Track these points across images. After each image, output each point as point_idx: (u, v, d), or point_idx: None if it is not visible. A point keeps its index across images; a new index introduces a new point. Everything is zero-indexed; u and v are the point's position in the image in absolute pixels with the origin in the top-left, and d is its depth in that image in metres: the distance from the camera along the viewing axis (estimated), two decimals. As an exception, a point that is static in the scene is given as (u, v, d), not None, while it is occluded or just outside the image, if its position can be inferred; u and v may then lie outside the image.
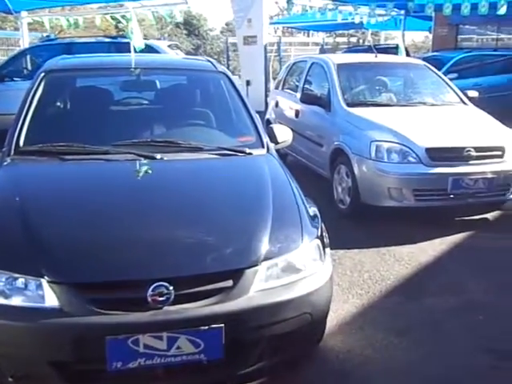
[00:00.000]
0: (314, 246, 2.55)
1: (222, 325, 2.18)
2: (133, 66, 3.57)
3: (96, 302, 2.11)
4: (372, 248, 4.64)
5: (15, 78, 8.31)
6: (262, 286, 2.31)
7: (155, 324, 2.12)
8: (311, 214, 2.77)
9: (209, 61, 4.07)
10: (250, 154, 3.18)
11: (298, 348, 2.54)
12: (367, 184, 5.12)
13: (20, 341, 2.11)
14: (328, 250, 2.76)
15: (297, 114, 6.77)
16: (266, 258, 2.36)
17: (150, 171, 2.85)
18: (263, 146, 3.32)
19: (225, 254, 2.33)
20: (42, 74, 3.52)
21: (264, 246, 2.38)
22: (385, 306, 3.63)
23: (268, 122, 7.94)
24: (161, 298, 2.14)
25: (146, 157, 2.95)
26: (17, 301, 2.14)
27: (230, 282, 2.24)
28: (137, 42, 3.63)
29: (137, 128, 3.31)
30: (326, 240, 2.80)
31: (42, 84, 3.46)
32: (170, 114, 3.53)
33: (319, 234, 2.64)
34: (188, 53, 41.38)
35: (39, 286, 2.14)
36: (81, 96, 3.63)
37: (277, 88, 8.00)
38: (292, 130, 6.82)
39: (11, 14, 11.53)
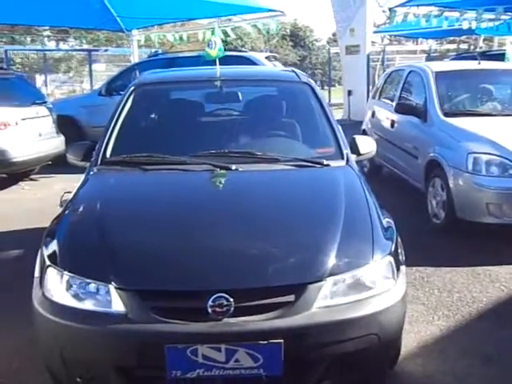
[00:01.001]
0: (385, 263, 2.43)
1: (282, 340, 2.13)
2: (217, 78, 3.65)
3: (158, 309, 2.15)
4: (466, 267, 4.35)
5: (121, 92, 8.79)
6: (326, 303, 2.24)
7: (214, 335, 2.12)
8: (386, 227, 2.65)
9: (293, 71, 4.05)
10: (327, 165, 3.11)
11: (365, 371, 2.42)
12: (463, 198, 4.82)
13: (88, 344, 2.20)
14: (403, 267, 2.62)
15: (392, 124, 6.57)
16: (332, 274, 2.28)
17: (223, 182, 2.88)
18: (342, 158, 3.23)
19: (288, 267, 2.28)
20: (132, 88, 3.70)
21: (330, 261, 2.31)
22: (473, 331, 3.38)
23: (364, 133, 7.78)
24: (221, 310, 2.13)
25: (221, 167, 2.98)
26: (88, 305, 2.24)
27: (291, 297, 2.19)
28: (212, 52, 3.70)
29: (217, 139, 3.36)
30: (402, 257, 2.67)
31: (132, 97, 3.63)
32: (251, 124, 3.56)
33: (392, 250, 2.51)
34: (293, 64, 41.84)
35: (108, 292, 2.22)
36: (166, 108, 3.77)
37: (374, 97, 7.81)
38: (387, 141, 6.72)
39: (123, 32, 12.25)
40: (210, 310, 2.13)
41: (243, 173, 2.98)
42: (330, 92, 16.57)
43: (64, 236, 2.50)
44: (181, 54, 9.93)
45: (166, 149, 3.24)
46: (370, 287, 2.34)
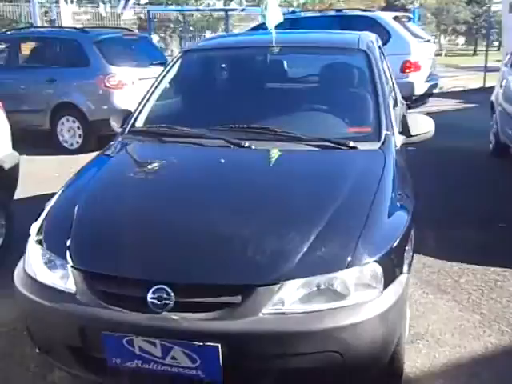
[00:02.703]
0: (369, 270, 2.07)
1: (218, 344, 1.93)
2: (269, 45, 3.38)
3: (102, 294, 2.06)
4: None
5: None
6: (279, 309, 1.97)
7: (149, 328, 1.98)
8: (391, 228, 2.26)
9: (360, 35, 3.61)
10: (353, 147, 2.73)
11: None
12: None
13: (42, 319, 2.19)
14: (404, 277, 2.22)
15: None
16: (291, 277, 1.99)
17: (227, 160, 2.69)
18: (379, 139, 2.82)
19: (239, 265, 2.04)
20: (180, 54, 3.58)
21: (291, 263, 2.01)
22: (527, 354, 2.83)
23: (491, 105, 6.89)
24: (159, 303, 1.98)
25: (233, 143, 2.77)
26: (50, 280, 2.21)
27: (237, 298, 1.96)
28: (271, 20, 3.39)
29: (249, 111, 3.11)
30: (405, 264, 2.27)
31: (178, 64, 3.52)
32: (290, 97, 3.25)
33: (384, 255, 2.12)
34: (465, 23, 38.18)
35: (67, 270, 2.18)
36: (207, 77, 3.59)
37: (506, 65, 6.82)
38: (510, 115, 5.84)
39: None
40: (149, 302, 2.00)
41: (253, 151, 2.74)
42: (486, 55, 14.85)
43: (49, 208, 2.51)
44: (303, 14, 9.56)
45: (194, 120, 3.11)
46: (340, 297, 2.02)
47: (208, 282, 2.01)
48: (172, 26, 25.66)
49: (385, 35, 8.28)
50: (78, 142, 7.64)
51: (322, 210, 2.23)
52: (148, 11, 15.56)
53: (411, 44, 8.21)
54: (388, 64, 4.22)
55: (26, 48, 8.21)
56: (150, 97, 3.33)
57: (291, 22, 9.08)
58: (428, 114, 9.92)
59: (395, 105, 3.86)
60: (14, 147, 4.32)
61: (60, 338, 2.17)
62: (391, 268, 2.15)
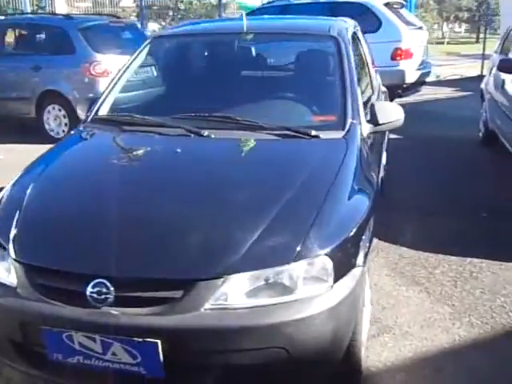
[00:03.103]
0: (318, 263, 2.00)
1: (158, 341, 1.86)
2: (238, 31, 3.29)
3: (42, 288, 2.00)
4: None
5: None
6: (222, 304, 1.90)
7: (88, 324, 1.91)
8: (347, 219, 2.19)
9: (334, 22, 3.52)
10: (316, 136, 2.65)
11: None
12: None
13: None
14: (358, 269, 2.15)
15: (503, 83, 5.57)
16: (236, 271, 1.92)
17: (182, 150, 2.62)
18: (343, 128, 2.74)
19: (181, 259, 1.97)
20: (148, 41, 3.49)
21: (235, 256, 1.94)
22: (495, 351, 2.76)
23: (481, 93, 6.79)
24: (99, 297, 1.92)
25: (193, 132, 2.69)
26: None
27: (178, 293, 1.89)
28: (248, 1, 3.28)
29: (212, 100, 3.03)
30: (361, 257, 2.19)
31: (146, 50, 3.43)
32: (255, 84, 3.16)
33: (336, 247, 2.05)
34: (468, 10, 37.71)
35: (8, 262, 2.12)
36: (174, 64, 3.49)
37: (496, 51, 6.71)
38: (496, 103, 5.74)
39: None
40: (88, 296, 1.93)
41: (211, 141, 2.66)
42: (484, 42, 14.65)
43: (1, 197, 2.45)
44: (294, 1, 9.40)
45: (158, 107, 3.06)
46: (287, 291, 1.95)
47: (147, 275, 1.94)
48: (171, 13, 25.44)
49: (375, 22, 8.19)
50: (64, 131, 7.55)
51: (273, 201, 2.16)
52: (140, -2, 15.35)
53: (402, 31, 8.08)
54: (366, 51, 4.13)
55: (11, 35, 8.10)
56: (115, 84, 3.24)
57: (281, 9, 8.96)
58: (420, 102, 9.91)
59: (372, 93, 3.78)
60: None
61: (3, 333, 2.11)
62: (343, 261, 2.08)
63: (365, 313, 2.44)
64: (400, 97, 8.79)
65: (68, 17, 8.08)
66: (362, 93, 3.39)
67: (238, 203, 2.20)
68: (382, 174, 4.70)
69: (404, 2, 9.15)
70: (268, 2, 10.01)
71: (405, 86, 8.26)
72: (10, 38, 8.07)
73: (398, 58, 8.08)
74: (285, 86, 3.10)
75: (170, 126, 2.76)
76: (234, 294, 1.91)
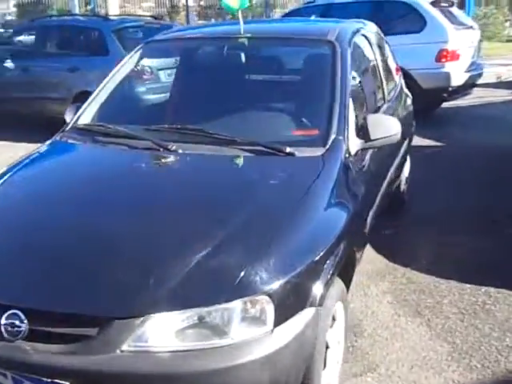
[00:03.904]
0: (258, 303, 1.77)
1: (67, 383, 1.69)
2: (228, 36, 3.08)
3: None
4: None
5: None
6: (141, 346, 1.70)
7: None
8: (303, 257, 1.93)
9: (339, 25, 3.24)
10: (290, 154, 2.40)
11: None
12: None
13: None
14: (310, 311, 1.89)
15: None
16: (160, 310, 1.72)
17: (144, 166, 2.45)
18: (324, 145, 2.48)
19: (99, 294, 1.78)
20: (140, 45, 3.34)
21: (160, 293, 1.74)
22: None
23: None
24: (12, 330, 1.76)
25: (161, 146, 2.50)
26: None
27: (93, 331, 1.71)
28: (232, 2, 3.05)
29: (191, 110, 2.84)
30: (311, 298, 1.92)
31: (137, 56, 3.28)
32: (240, 93, 2.92)
33: (280, 287, 1.81)
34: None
35: None
36: (160, 70, 3.32)
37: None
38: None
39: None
40: (2, 328, 1.78)
41: (176, 156, 2.46)
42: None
43: None
44: (336, 1, 9.02)
45: (138, 117, 2.91)
46: (218, 334, 1.73)
47: (61, 309, 1.77)
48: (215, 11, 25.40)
49: (420, 21, 7.73)
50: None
51: (218, 228, 1.94)
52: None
53: (448, 31, 7.57)
54: (384, 56, 3.81)
55: (49, 36, 8.22)
56: (100, 91, 3.11)
57: (323, 9, 8.64)
58: (471, 105, 9.28)
59: (383, 102, 3.48)
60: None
61: None
62: (289, 301, 1.84)
63: (331, 355, 2.18)
64: (445, 100, 8.30)
65: (105, 18, 8.11)
66: (366, 103, 3.12)
67: (177, 230, 2.00)
68: (403, 186, 4.40)
69: (454, 0, 8.59)
70: (308, 2, 9.69)
71: (450, 89, 7.76)
72: (48, 39, 8.19)
73: (444, 60, 7.59)
74: (271, 96, 2.86)
75: (139, 139, 2.59)
76: (157, 336, 1.71)
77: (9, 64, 8.21)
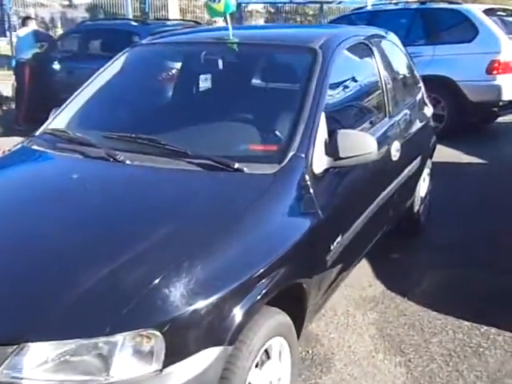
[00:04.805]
0: (145, 338, 1.58)
1: None
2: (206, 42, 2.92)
3: None
4: None
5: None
6: (14, 377, 1.55)
7: None
8: (211, 291, 1.73)
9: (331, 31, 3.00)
10: (239, 170, 2.20)
11: None
12: None
13: None
14: (213, 351, 1.68)
15: None
16: (37, 339, 1.56)
17: (88, 177, 2.32)
18: (280, 162, 2.25)
19: None
20: (126, 49, 3.23)
21: (38, 320, 1.59)
22: None
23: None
24: None
25: (111, 156, 2.37)
26: None
27: None
28: (218, 7, 2.86)
29: (155, 118, 2.70)
30: (223, 333, 1.72)
31: (121, 60, 3.18)
32: (208, 101, 2.74)
33: (174, 320, 1.61)
34: None
35: None
36: (142, 75, 3.15)
37: None
38: None
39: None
40: None
41: (125, 167, 2.31)
42: None
43: None
44: (385, 8, 8.67)
45: (104, 124, 2.78)
46: (98, 370, 1.56)
47: None
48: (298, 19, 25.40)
49: (472, 31, 7.25)
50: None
51: (130, 248, 1.78)
52: (239, 3, 15.34)
53: (502, 41, 7.04)
54: (388, 68, 3.51)
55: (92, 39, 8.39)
56: (78, 95, 3.03)
57: (370, 16, 8.32)
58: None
59: (384, 116, 3.21)
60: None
61: None
62: (190, 337, 1.64)
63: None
64: (498, 115, 7.76)
65: (144, 22, 8.17)
66: (353, 117, 2.88)
67: (86, 247, 1.85)
68: (417, 207, 4.06)
69: (513, 9, 8.03)
70: (356, 9, 9.37)
71: (501, 103, 7.23)
72: (91, 41, 8.36)
73: (495, 72, 7.07)
74: (238, 106, 2.65)
75: (93, 147, 2.47)
76: (31, 367, 1.56)
77: (56, 66, 8.44)
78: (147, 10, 12.90)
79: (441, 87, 7.35)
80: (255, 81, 2.81)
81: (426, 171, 4.21)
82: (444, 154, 6.60)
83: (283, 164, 2.24)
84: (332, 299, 3.02)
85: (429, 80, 7.20)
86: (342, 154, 2.37)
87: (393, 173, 3.25)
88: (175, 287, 1.67)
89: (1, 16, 20.77)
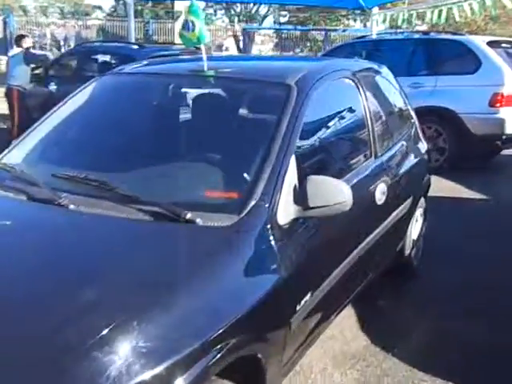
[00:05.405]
0: None
1: None
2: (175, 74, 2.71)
3: None
4: None
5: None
6: None
7: None
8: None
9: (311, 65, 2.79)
10: (190, 221, 1.95)
11: None
12: None
13: None
14: None
15: None
16: None
17: (30, 225, 2.08)
18: (239, 212, 2.01)
19: None
20: (94, 79, 3.02)
21: None
22: None
23: None
24: None
25: (53, 199, 2.13)
26: None
27: None
28: (192, 35, 2.66)
29: (107, 156, 2.46)
30: None
31: (88, 89, 2.96)
32: (169, 140, 2.50)
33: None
34: None
35: None
36: (107, 107, 2.92)
37: None
38: None
39: (363, 10, 11.20)
40: None
41: (66, 213, 2.07)
42: None
43: None
44: (387, 37, 8.49)
45: (58, 161, 2.56)
46: None
47: None
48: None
49: (474, 62, 7.05)
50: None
51: (38, 321, 1.53)
52: (244, 29, 15.30)
53: (505, 74, 6.82)
54: (377, 104, 3.28)
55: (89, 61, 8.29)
56: (38, 126, 2.81)
57: (373, 45, 8.15)
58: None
59: (369, 157, 2.97)
60: None
61: None
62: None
63: None
64: (501, 149, 7.51)
65: (141, 46, 8.06)
66: (332, 160, 2.64)
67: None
68: (408, 250, 3.80)
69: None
70: (360, 37, 9.21)
71: (505, 137, 6.99)
72: (87, 63, 8.25)
73: (498, 105, 6.85)
74: (203, 145, 2.39)
75: (38, 187, 2.23)
76: None
77: (52, 87, 8.32)
78: (151, 33, 12.83)
79: (442, 119, 7.15)
80: (222, 118, 2.57)
81: (419, 211, 3.95)
82: (444, 187, 6.37)
83: (242, 215, 1.99)
84: (311, 353, 2.76)
85: (430, 111, 7.10)
86: (311, 204, 2.13)
87: (378, 218, 3.00)
88: (102, 358, 1.42)
89: (9, 34, 21.01)
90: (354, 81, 3.01)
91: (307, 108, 2.43)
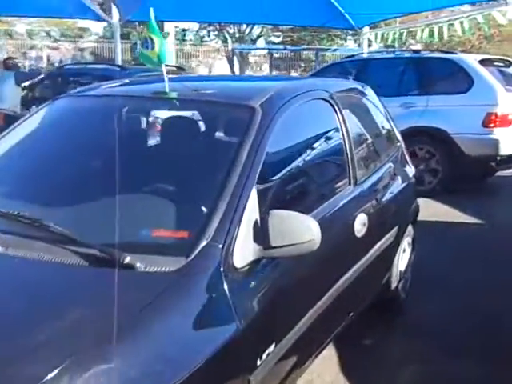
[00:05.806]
0: None
1: None
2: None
3: None
4: None
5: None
6: None
7: None
8: None
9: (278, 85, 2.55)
10: (129, 266, 1.69)
11: None
12: None
13: None
14: None
15: None
16: None
17: None
18: (187, 255, 1.74)
19: None
20: (49, 101, 2.78)
21: None
22: None
23: None
24: None
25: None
26: None
27: None
28: (151, 54, 2.44)
29: (52, 190, 2.20)
30: None
31: (40, 113, 2.72)
32: (122, 170, 2.25)
33: None
34: None
35: None
36: (58, 133, 2.66)
37: None
38: None
39: (353, 30, 11.06)
40: None
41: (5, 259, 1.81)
42: None
43: None
44: (377, 56, 8.29)
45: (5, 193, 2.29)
46: None
47: None
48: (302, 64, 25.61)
49: (467, 81, 6.85)
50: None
51: None
52: (233, 49, 15.22)
53: (498, 93, 6.60)
54: (357, 128, 3.04)
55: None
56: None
57: (361, 64, 7.95)
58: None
59: (347, 185, 2.72)
60: None
61: None
62: None
63: None
64: (495, 170, 7.27)
65: (123, 67, 7.88)
66: (301, 191, 2.39)
67: None
68: (395, 283, 3.53)
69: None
70: (346, 57, 9.03)
71: (499, 158, 6.75)
72: (69, 84, 8.04)
73: (492, 125, 6.63)
74: (153, 177, 2.13)
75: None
76: None
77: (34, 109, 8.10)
78: (138, 55, 12.73)
79: (435, 140, 6.93)
80: (178, 145, 2.32)
81: (407, 240, 3.68)
82: (437, 211, 6.13)
83: (190, 258, 1.73)
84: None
85: (422, 132, 6.88)
86: (273, 243, 1.87)
87: (358, 251, 2.74)
88: None
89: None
90: (330, 102, 2.77)
91: (273, 133, 2.18)
